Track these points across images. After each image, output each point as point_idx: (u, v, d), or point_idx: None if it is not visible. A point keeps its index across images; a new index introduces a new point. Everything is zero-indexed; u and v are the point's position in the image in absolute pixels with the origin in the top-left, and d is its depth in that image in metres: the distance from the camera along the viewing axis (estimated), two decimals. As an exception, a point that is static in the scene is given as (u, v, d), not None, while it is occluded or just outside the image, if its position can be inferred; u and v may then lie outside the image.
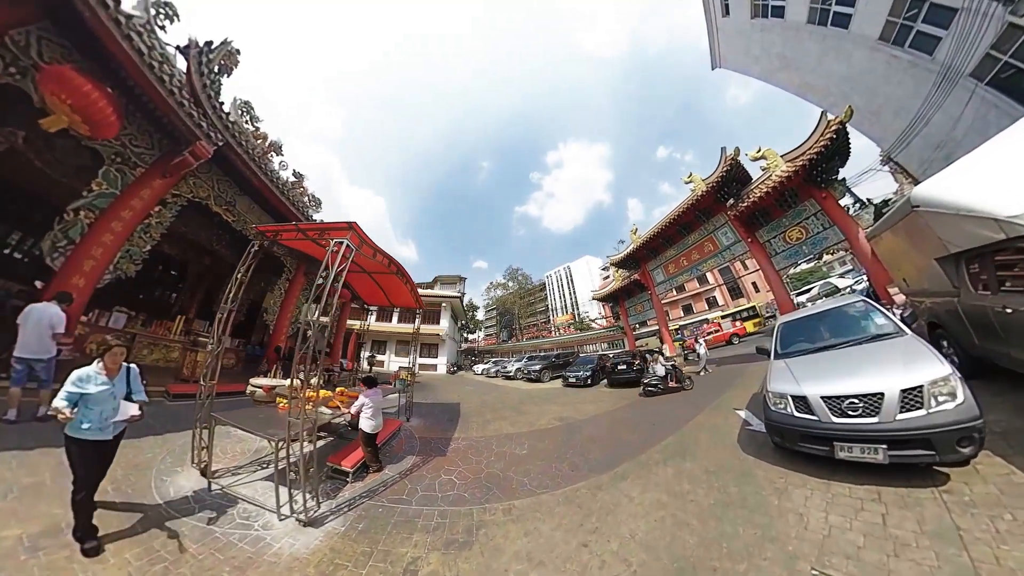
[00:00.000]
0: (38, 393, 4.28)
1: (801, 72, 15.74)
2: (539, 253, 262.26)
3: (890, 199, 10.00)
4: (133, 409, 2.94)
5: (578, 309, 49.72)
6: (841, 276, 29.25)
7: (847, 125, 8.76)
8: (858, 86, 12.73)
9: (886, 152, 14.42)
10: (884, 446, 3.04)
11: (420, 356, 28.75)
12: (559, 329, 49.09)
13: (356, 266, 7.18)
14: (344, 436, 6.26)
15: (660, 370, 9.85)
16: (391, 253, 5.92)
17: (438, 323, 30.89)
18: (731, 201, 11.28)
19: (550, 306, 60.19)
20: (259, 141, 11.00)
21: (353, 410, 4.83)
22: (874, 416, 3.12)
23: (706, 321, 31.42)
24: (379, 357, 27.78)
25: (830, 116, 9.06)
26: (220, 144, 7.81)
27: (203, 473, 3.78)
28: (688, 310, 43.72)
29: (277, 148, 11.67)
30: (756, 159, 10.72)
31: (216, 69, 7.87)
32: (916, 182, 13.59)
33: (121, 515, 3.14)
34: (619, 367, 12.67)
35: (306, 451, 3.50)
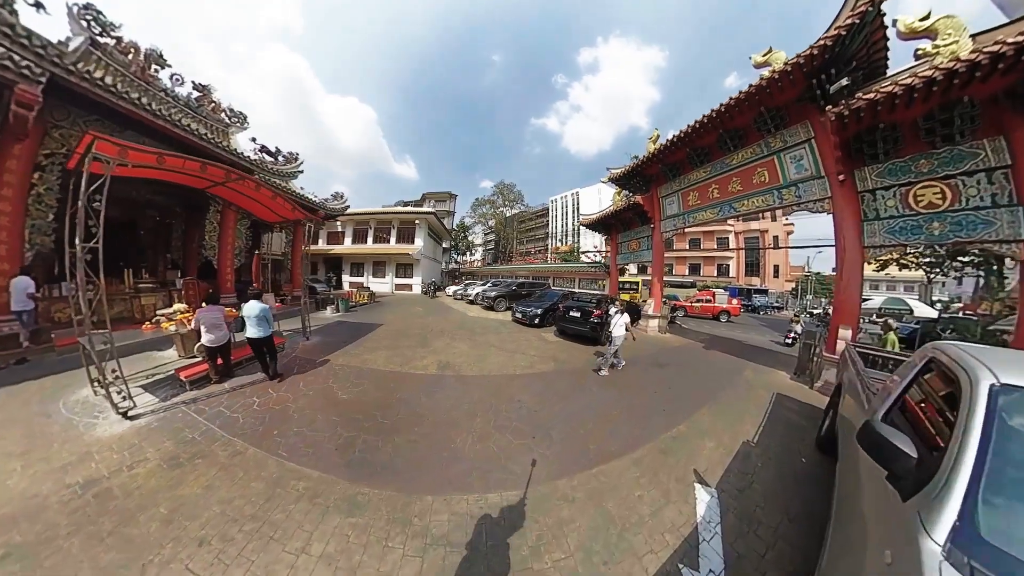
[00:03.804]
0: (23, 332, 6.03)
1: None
2: (555, 176, 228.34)
3: None
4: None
5: (578, 239, 44.57)
6: (933, 304, 18.16)
7: None
8: None
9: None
10: None
11: (396, 276, 27.49)
12: (550, 257, 45.06)
13: (206, 180, 6.74)
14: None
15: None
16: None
17: (412, 242, 27.16)
18: (842, 83, 5.72)
19: (551, 233, 54.22)
20: (129, 56, 8.84)
21: (192, 326, 5.03)
22: None
23: (681, 285, 26.97)
24: (356, 279, 27.20)
25: None
26: (43, 80, 5.91)
27: (92, 385, 4.40)
28: (695, 270, 38.85)
29: (157, 59, 9.55)
30: (911, 35, 5.09)
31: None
32: None
33: (32, 415, 3.85)
34: (571, 313, 9.38)
35: (113, 361, 4.05)
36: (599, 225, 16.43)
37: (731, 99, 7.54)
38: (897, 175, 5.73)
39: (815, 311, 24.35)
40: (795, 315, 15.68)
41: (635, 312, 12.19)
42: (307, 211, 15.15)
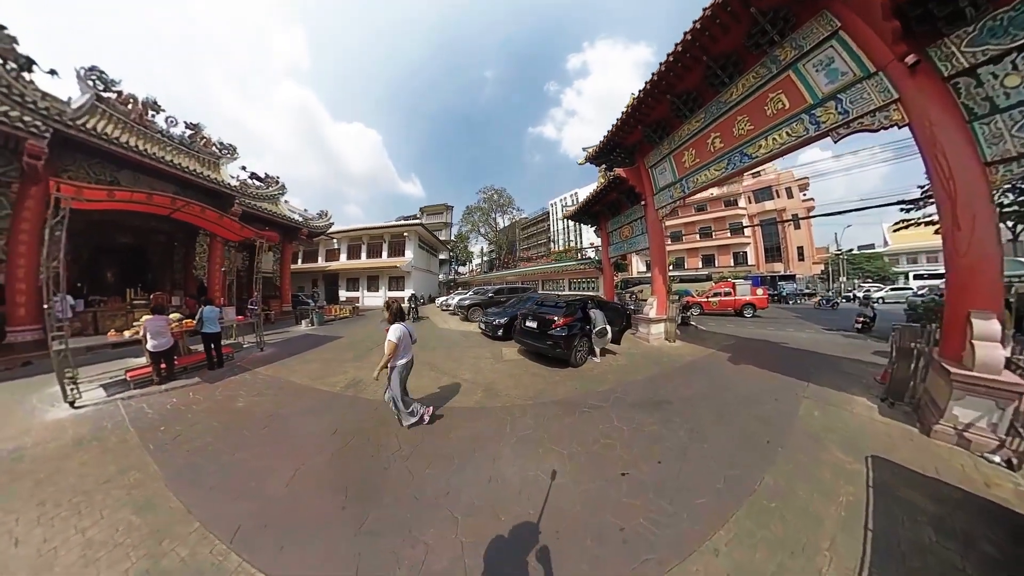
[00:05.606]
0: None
1: None
2: (557, 181, 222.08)
3: None
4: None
5: (580, 239, 41.84)
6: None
7: None
8: None
9: None
10: None
11: (390, 290, 27.01)
12: (545, 260, 42.39)
13: (162, 208, 7.09)
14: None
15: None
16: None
17: (403, 255, 26.72)
18: None
19: (552, 236, 51.37)
20: (128, 105, 10.20)
21: (141, 334, 5.27)
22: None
23: (695, 279, 23.49)
24: (352, 294, 27.29)
25: None
26: (48, 135, 7.06)
27: (60, 383, 4.56)
28: (710, 261, 35.06)
29: (152, 106, 10.85)
30: None
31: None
32: None
33: (12, 402, 4.64)
34: (527, 323, 7.10)
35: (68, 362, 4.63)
36: (585, 216, 14.25)
37: (707, 9, 5.26)
38: (1009, 33, 3.25)
39: (849, 295, 20.45)
40: (864, 297, 12.52)
41: (624, 318, 9.34)
42: (284, 229, 16.18)
